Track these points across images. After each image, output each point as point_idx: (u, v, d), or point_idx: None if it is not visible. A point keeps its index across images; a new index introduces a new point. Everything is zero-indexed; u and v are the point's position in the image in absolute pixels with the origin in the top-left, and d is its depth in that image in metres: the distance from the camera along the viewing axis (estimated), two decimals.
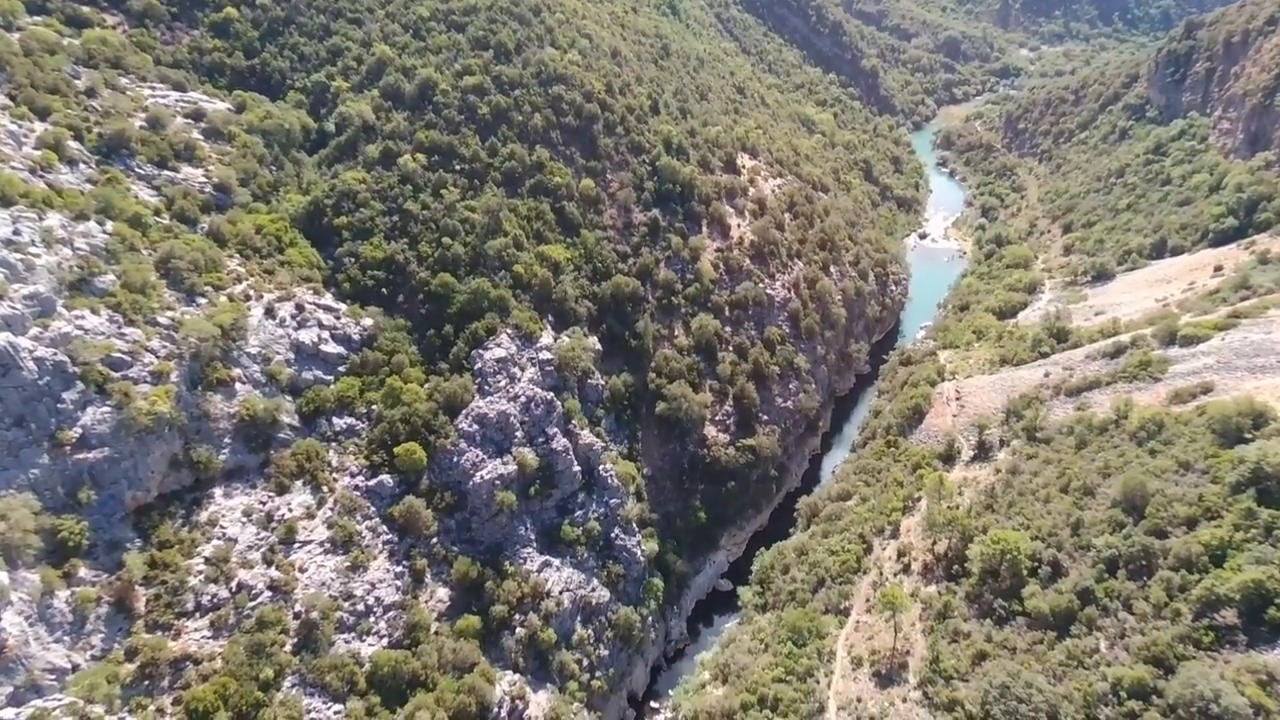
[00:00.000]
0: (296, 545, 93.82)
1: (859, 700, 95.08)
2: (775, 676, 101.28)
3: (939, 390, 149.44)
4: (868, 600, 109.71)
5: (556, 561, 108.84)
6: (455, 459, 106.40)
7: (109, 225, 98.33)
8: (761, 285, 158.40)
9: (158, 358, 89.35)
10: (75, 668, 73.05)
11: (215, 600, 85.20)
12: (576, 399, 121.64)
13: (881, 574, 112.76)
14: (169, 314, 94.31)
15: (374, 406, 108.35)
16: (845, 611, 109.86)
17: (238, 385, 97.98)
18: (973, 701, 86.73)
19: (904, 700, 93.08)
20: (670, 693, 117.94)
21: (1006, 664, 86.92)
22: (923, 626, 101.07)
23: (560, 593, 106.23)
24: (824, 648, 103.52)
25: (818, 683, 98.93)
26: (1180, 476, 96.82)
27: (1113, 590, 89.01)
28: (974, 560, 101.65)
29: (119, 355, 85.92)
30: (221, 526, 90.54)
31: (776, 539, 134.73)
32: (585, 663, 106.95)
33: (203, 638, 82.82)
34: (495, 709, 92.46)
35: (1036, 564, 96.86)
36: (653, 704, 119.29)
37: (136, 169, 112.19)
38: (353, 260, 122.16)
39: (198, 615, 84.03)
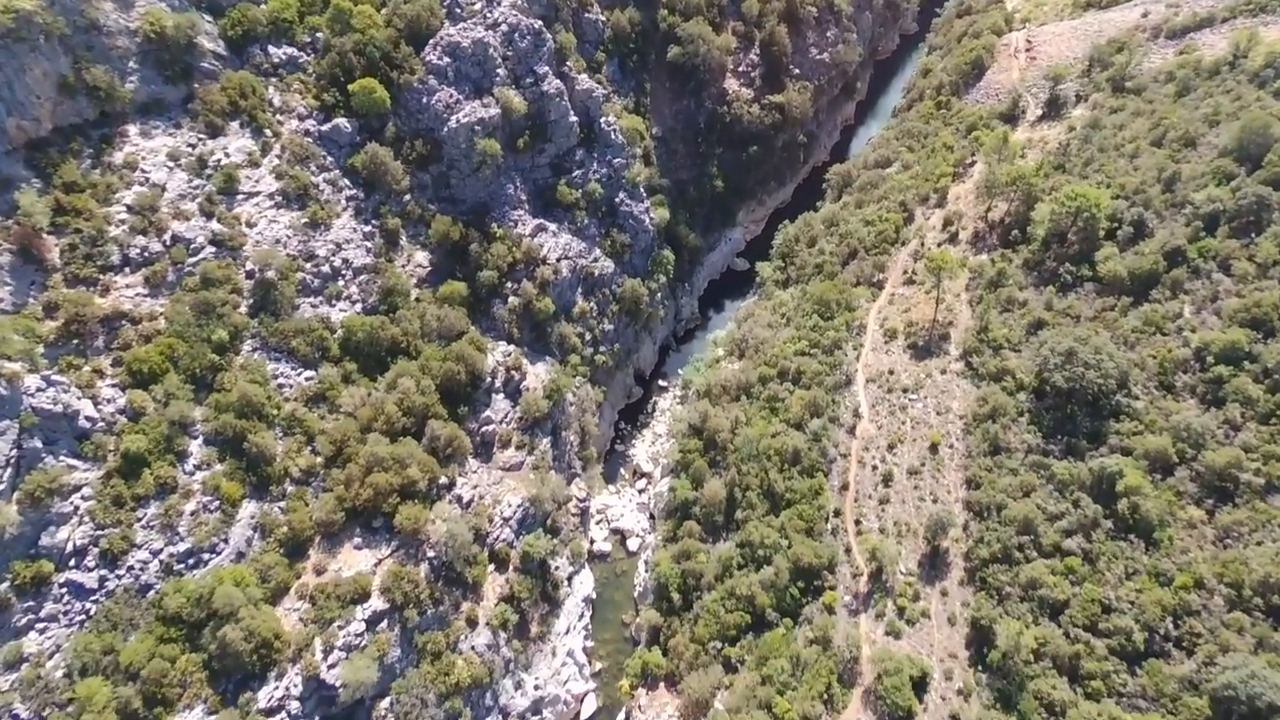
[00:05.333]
0: (240, 197, 78.62)
1: (891, 372, 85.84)
2: (798, 350, 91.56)
3: (1005, 41, 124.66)
4: (905, 272, 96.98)
5: (553, 226, 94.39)
6: (425, 100, 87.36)
7: None
8: None
9: None
10: None
11: (146, 254, 71.85)
12: (571, 34, 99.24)
13: (923, 244, 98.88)
14: None
15: (319, 33, 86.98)
16: (879, 285, 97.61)
17: None
18: (1025, 370, 76.94)
19: (943, 372, 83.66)
20: (680, 371, 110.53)
21: (1072, 330, 75.74)
22: (969, 297, 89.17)
23: (558, 260, 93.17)
24: (854, 320, 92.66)
25: (845, 355, 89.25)
26: None
27: (1208, 250, 75.24)
28: (1039, 223, 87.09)
29: None
30: (143, 170, 74.64)
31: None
32: (588, 337, 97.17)
33: (137, 295, 70.70)
34: (488, 378, 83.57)
35: (1115, 225, 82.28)
36: (661, 382, 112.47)
37: None
38: None
39: (127, 270, 71.19)
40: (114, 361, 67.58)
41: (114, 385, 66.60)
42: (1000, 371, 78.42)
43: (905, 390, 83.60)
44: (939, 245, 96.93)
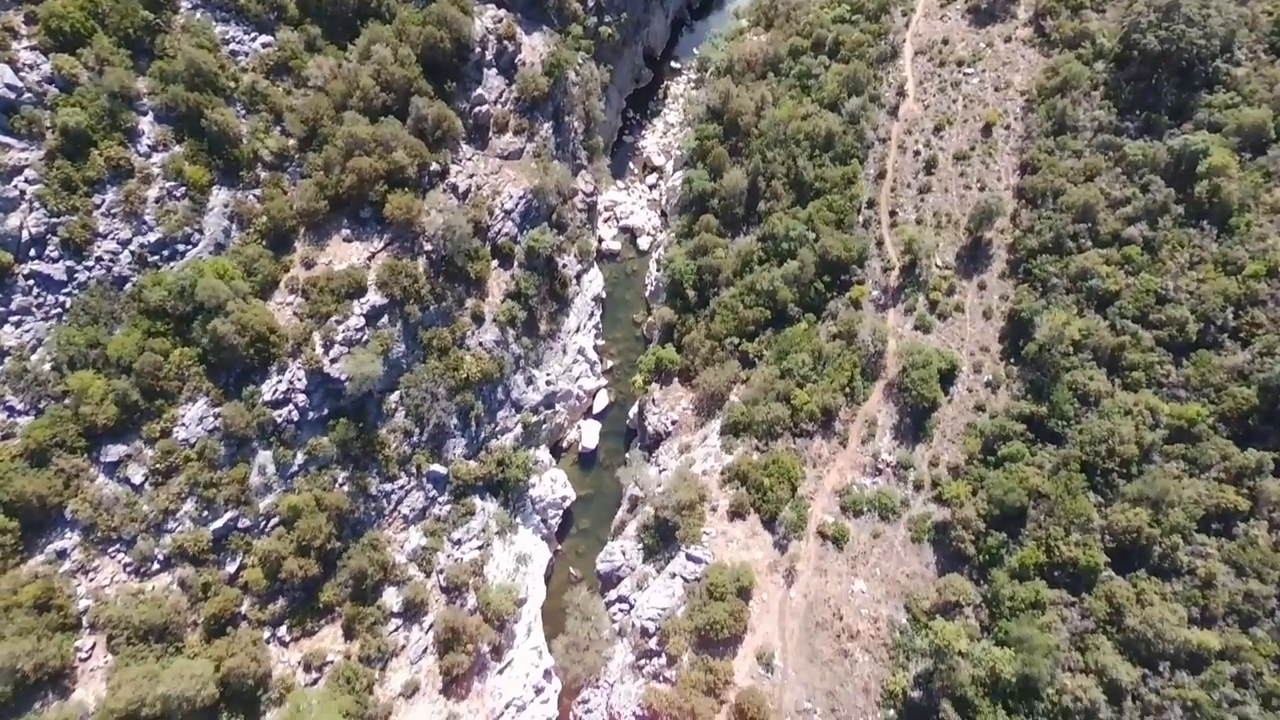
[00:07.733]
0: None
1: (945, 42, 73.88)
2: (837, 16, 78.58)
3: None
4: None
5: None
6: None
7: None
8: None
9: None
10: None
11: None
12: None
13: None
14: None
15: None
16: None
17: None
18: (1109, 34, 65.34)
19: (1007, 40, 71.84)
20: (696, 50, 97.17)
21: None
22: None
23: None
24: None
25: (893, 22, 76.52)
26: None
27: None
28: None
29: None
30: None
31: None
32: (590, 3, 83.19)
33: None
34: (477, 49, 71.93)
35: None
36: (674, 64, 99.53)
37: None
38: None
39: None
40: (27, 18, 56.49)
41: (33, 49, 56.15)
42: (1078, 35, 66.86)
43: (960, 63, 72.36)
44: None
